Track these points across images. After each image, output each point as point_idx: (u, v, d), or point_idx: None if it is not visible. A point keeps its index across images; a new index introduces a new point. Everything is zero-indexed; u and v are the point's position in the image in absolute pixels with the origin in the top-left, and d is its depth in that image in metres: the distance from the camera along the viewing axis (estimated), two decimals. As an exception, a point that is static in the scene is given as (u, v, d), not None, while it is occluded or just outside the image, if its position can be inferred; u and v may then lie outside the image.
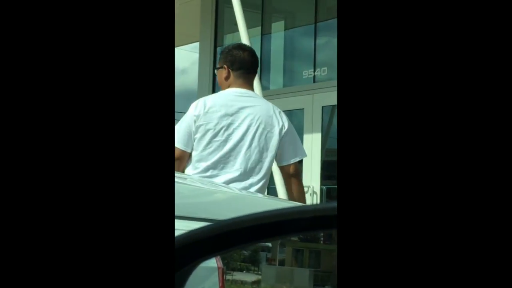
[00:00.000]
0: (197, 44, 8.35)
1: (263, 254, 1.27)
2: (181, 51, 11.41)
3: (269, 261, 1.33)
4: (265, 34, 7.93)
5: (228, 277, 1.16)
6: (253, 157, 2.87)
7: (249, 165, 2.83)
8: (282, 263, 1.30)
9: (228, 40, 8.06)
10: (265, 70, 7.84)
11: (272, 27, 8.10)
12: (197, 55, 8.23)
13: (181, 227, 1.20)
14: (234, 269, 1.14)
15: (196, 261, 0.73)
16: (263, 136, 2.87)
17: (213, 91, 7.97)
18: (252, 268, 1.24)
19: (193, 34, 8.21)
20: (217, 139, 2.80)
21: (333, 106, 6.73)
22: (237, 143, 2.85)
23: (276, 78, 8.10)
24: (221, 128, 2.81)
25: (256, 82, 4.29)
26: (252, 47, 3.73)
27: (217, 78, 3.13)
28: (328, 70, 7.08)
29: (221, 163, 2.70)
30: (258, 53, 7.53)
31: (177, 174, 2.20)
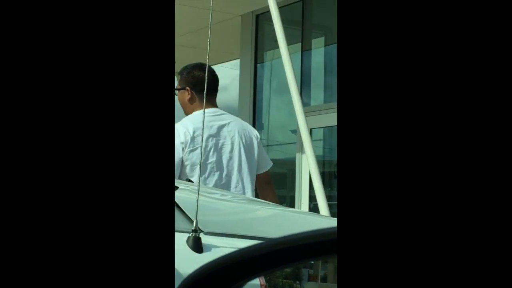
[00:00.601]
0: (237, 61, 8.40)
1: (305, 271, 1.28)
2: (221, 68, 11.51)
3: (312, 278, 1.34)
4: (305, 50, 7.95)
5: (271, 294, 1.17)
6: (245, 171, 3.04)
7: (244, 180, 2.99)
8: (324, 279, 1.30)
9: (269, 56, 8.07)
10: (305, 87, 7.84)
11: (312, 43, 8.10)
12: (237, 72, 8.27)
13: (225, 244, 1.22)
14: (276, 286, 1.16)
15: (246, 279, 0.73)
16: (247, 149, 3.03)
17: (254, 107, 7.97)
18: (294, 285, 1.25)
19: (234, 51, 8.24)
20: (209, 161, 2.91)
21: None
22: (228, 162, 2.98)
23: (317, 94, 8.09)
24: (209, 150, 2.93)
25: (296, 98, 4.33)
26: (291, 64, 3.80)
27: (179, 99, 3.16)
28: (369, 85, 7.06)
29: (219, 186, 2.82)
30: (298, 70, 7.54)
31: (212, 189, 2.23)
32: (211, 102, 3.08)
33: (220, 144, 3.00)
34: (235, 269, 0.69)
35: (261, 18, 7.89)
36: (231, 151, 3.02)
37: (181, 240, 1.21)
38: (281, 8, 5.47)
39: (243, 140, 3.08)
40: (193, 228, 1.22)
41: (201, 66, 3.26)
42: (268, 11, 5.34)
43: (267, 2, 4.94)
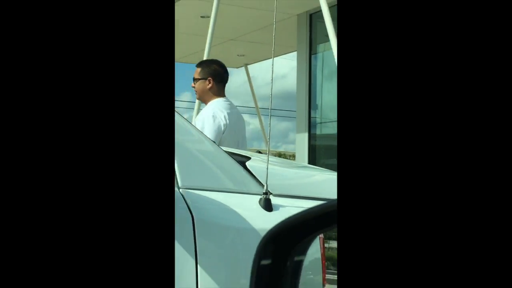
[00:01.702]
0: (294, 54, 8.29)
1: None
2: (281, 59, 11.37)
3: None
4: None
5: (326, 245, 1.17)
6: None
7: None
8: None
9: (321, 49, 7.94)
10: None
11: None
12: (294, 63, 8.17)
13: (290, 204, 1.23)
14: (330, 238, 1.16)
15: (315, 233, 0.71)
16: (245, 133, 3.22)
17: (310, 91, 7.90)
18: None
19: (291, 45, 8.15)
20: (231, 145, 2.99)
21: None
22: (242, 145, 3.16)
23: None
24: (234, 133, 3.14)
25: None
26: None
27: (198, 88, 3.26)
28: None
29: None
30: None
31: (277, 159, 2.23)
32: (223, 91, 3.23)
33: (236, 129, 3.18)
34: (307, 225, 0.66)
35: (314, 17, 7.74)
36: (243, 134, 3.25)
37: (254, 201, 1.21)
38: (331, 8, 5.37)
39: (244, 125, 3.30)
40: (264, 191, 1.23)
41: (217, 61, 3.40)
42: (320, 11, 5.23)
43: (320, 3, 4.86)
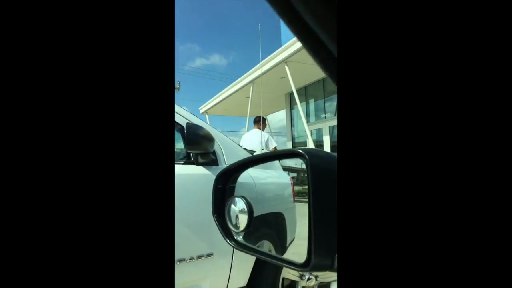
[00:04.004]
0: (284, 110, 11.28)
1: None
2: (279, 112, 13.48)
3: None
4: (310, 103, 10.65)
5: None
6: None
7: None
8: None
9: (294, 108, 10.54)
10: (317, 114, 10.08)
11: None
12: (284, 113, 10.98)
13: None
14: (299, 179, 1.08)
15: (238, 172, 0.78)
16: None
17: (291, 125, 10.64)
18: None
19: (283, 106, 11.04)
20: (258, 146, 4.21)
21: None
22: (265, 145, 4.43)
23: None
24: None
25: (303, 118, 7.62)
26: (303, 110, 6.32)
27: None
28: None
29: None
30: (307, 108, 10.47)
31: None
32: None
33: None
34: (240, 166, 0.76)
35: (291, 94, 9.97)
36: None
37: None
38: (298, 90, 7.70)
39: None
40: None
41: (259, 116, 4.99)
42: (293, 92, 7.70)
43: (292, 89, 7.61)
